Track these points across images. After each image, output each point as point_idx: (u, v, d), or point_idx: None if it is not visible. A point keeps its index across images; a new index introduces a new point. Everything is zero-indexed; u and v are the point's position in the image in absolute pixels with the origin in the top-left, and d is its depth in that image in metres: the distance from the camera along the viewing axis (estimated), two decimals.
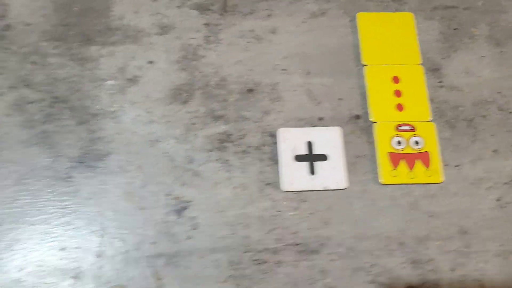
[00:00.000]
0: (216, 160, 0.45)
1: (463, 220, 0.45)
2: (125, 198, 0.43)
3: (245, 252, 0.43)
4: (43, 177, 0.43)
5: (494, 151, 0.47)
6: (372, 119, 0.47)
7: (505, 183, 0.46)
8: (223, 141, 0.46)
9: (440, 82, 0.49)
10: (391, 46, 0.49)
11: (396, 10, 0.51)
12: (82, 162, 0.44)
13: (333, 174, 0.45)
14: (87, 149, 0.44)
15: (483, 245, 0.44)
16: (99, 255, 0.42)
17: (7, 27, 0.48)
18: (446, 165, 0.46)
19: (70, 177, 0.44)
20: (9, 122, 0.45)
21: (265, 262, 0.43)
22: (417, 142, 0.46)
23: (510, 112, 0.48)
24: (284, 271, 0.43)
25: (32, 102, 0.45)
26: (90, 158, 0.44)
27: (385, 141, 0.46)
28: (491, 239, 0.44)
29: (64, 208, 0.43)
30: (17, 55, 0.47)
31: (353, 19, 0.50)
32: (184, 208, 0.43)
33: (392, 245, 0.44)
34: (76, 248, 0.42)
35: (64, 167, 0.44)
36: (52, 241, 0.42)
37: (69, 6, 0.49)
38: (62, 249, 0.42)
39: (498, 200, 0.46)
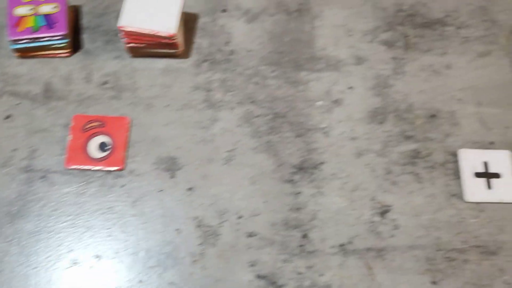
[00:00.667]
0: (409, 172, 0.54)
1: None
2: (339, 199, 0.52)
3: (438, 250, 0.51)
4: (271, 179, 0.53)
5: None
6: None
7: None
8: (414, 157, 0.55)
9: None
10: None
11: None
12: (301, 169, 0.53)
13: (506, 189, 0.54)
14: (305, 158, 0.53)
15: None
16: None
17: (232, 52, 0.57)
18: None
19: (292, 180, 0.53)
20: (241, 132, 0.54)
21: (454, 259, 0.51)
22: None
23: None
24: (470, 268, 0.51)
25: (257, 116, 0.55)
26: (307, 165, 0.53)
27: None
28: None
29: (289, 206, 0.52)
30: (242, 76, 0.56)
31: None
32: (386, 211, 0.52)
33: None
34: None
35: (287, 172, 0.53)
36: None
37: (281, 37, 0.58)
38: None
39: None
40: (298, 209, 0.52)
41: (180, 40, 0.55)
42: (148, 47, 0.54)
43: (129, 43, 0.53)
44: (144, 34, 0.52)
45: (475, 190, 0.53)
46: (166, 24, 0.52)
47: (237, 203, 0.51)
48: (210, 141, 0.53)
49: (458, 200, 0.53)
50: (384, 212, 0.52)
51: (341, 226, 0.51)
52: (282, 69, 0.57)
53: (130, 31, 0.52)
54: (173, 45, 0.53)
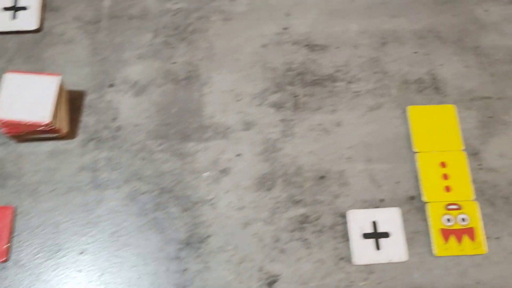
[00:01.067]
0: (298, 239, 0.54)
1: (506, 286, 0.54)
2: (226, 273, 0.52)
3: None
4: (157, 258, 0.53)
5: None
6: (424, 199, 0.56)
7: None
8: (302, 222, 0.55)
9: (479, 164, 0.58)
10: (438, 135, 0.59)
11: (440, 102, 0.61)
12: (188, 244, 0.53)
13: (395, 249, 0.54)
14: (192, 232, 0.54)
15: None
16: None
17: (119, 128, 0.57)
18: (488, 237, 0.55)
19: (179, 257, 0.53)
20: (126, 211, 0.54)
21: None
22: (463, 219, 0.55)
23: None
24: None
25: (144, 193, 0.55)
26: (194, 240, 0.53)
27: (436, 219, 0.55)
28: None
29: (175, 285, 0.52)
30: (129, 152, 0.56)
31: (404, 111, 0.60)
32: (274, 281, 0.53)
33: None
34: None
35: (174, 249, 0.53)
36: None
37: (169, 108, 0.58)
38: None
39: None
40: (184, 287, 0.52)
41: (61, 123, 0.55)
42: (29, 134, 0.54)
43: (8, 132, 0.53)
44: (20, 123, 0.52)
45: (363, 252, 0.54)
46: (41, 112, 0.52)
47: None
48: (95, 224, 0.54)
49: (346, 263, 0.54)
50: (271, 282, 0.53)
51: None
52: (169, 141, 0.57)
53: (7, 121, 0.52)
54: (52, 131, 0.54)
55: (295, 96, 0.60)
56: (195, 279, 0.52)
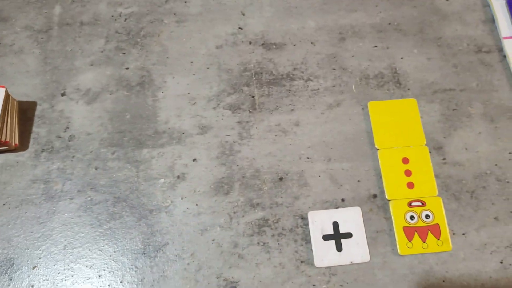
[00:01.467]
0: (257, 243, 0.53)
1: (472, 283, 0.52)
2: (182, 283, 0.51)
3: None
4: (113, 269, 0.51)
5: (495, 218, 0.54)
6: (387, 197, 0.54)
7: (507, 247, 0.53)
8: (261, 226, 0.53)
9: (443, 159, 0.57)
10: (399, 130, 0.57)
11: (401, 96, 0.59)
12: (144, 254, 0.52)
13: (357, 249, 0.52)
14: (148, 241, 0.52)
15: None
16: None
17: (71, 137, 0.56)
18: (454, 233, 0.54)
19: (136, 267, 0.52)
20: (80, 222, 0.53)
21: None
22: (427, 216, 0.54)
23: (507, 182, 0.56)
24: None
25: (97, 203, 0.54)
26: (150, 249, 0.52)
27: (400, 216, 0.54)
28: None
29: None
30: (82, 162, 0.55)
31: (365, 107, 0.58)
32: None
33: None
34: None
35: (130, 259, 0.52)
36: None
37: (122, 115, 0.57)
38: None
39: (501, 262, 0.53)
40: None
41: (11, 135, 0.54)
42: None
43: None
44: None
45: (324, 254, 0.52)
46: None
47: None
48: (48, 237, 0.52)
49: (308, 266, 0.52)
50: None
51: None
52: (123, 149, 0.56)
53: None
54: (1, 144, 0.52)
55: (252, 97, 0.59)
56: None
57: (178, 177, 0.55)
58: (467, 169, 0.56)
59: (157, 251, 0.52)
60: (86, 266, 0.51)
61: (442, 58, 0.61)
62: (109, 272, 0.51)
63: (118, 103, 0.58)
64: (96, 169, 0.55)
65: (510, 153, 0.57)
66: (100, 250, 0.52)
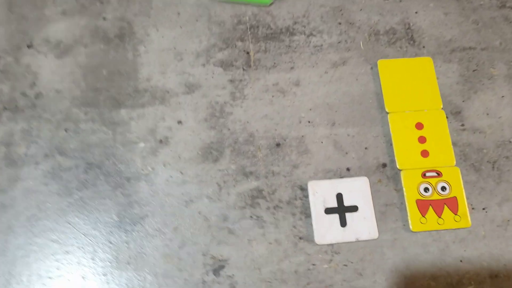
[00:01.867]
0: (250, 217, 0.46)
1: (494, 263, 0.46)
2: (163, 261, 0.45)
3: None
4: (83, 244, 0.45)
5: None
6: (398, 166, 0.48)
7: None
8: (255, 197, 0.47)
9: (462, 125, 0.50)
10: (413, 92, 0.50)
11: (415, 55, 0.52)
12: (120, 227, 0.45)
13: (364, 225, 0.46)
14: (125, 213, 0.46)
15: None
16: None
17: (38, 95, 0.49)
18: (473, 208, 0.47)
19: (110, 243, 0.45)
20: (47, 190, 0.46)
21: None
22: (443, 188, 0.47)
23: None
24: None
25: (67, 170, 0.47)
26: (127, 222, 0.45)
27: (412, 188, 0.47)
28: None
29: (105, 275, 0.44)
30: (50, 123, 0.48)
31: (374, 66, 0.52)
32: (222, 267, 0.45)
33: None
34: None
35: (103, 233, 0.45)
36: None
37: (98, 71, 0.50)
38: None
39: None
40: (112, 279, 0.44)
41: None
42: None
43: None
44: None
45: (326, 230, 0.46)
46: None
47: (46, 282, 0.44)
48: (10, 206, 0.46)
49: (307, 243, 0.46)
50: (218, 268, 0.45)
51: None
52: (99, 109, 0.49)
53: None
54: None
55: (247, 53, 0.51)
56: (127, 268, 0.44)
57: (161, 141, 0.48)
58: (488, 136, 0.50)
59: (134, 225, 0.45)
60: (52, 241, 0.45)
61: (461, 13, 0.54)
62: (78, 248, 0.45)
63: (93, 57, 0.50)
64: (66, 131, 0.48)
65: None
66: (69, 223, 0.45)
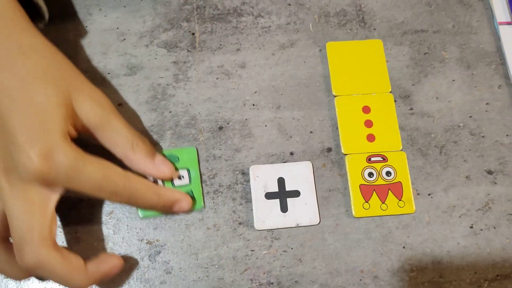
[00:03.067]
0: None
1: (437, 249, 0.45)
2: (96, 246, 0.44)
3: None
4: None
5: (467, 177, 0.47)
6: (343, 151, 0.47)
7: (478, 210, 0.46)
8: None
9: (411, 109, 0.49)
10: (361, 75, 0.49)
11: (366, 37, 0.51)
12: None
13: (305, 210, 0.45)
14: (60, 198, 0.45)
15: (457, 274, 0.44)
16: None
17: None
18: (418, 194, 0.47)
19: None
20: None
21: None
22: (388, 173, 0.46)
23: (482, 136, 0.48)
24: None
25: None
26: (63, 207, 0.44)
27: (356, 173, 0.46)
28: (465, 267, 0.45)
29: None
30: None
31: (323, 49, 0.50)
32: (158, 253, 0.44)
33: (366, 279, 0.44)
34: None
35: None
36: None
37: None
38: None
39: (471, 227, 0.46)
40: None
41: None
42: None
43: None
44: None
45: (266, 215, 0.45)
46: None
47: None
48: None
49: (246, 229, 0.45)
50: (154, 253, 0.44)
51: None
52: None
53: None
54: None
55: (192, 34, 0.50)
56: None
57: None
58: (437, 121, 0.49)
59: (70, 210, 0.44)
60: None
61: None
62: None
63: None
64: None
65: (487, 103, 0.49)
66: None
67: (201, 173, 0.46)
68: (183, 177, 0.44)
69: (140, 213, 0.44)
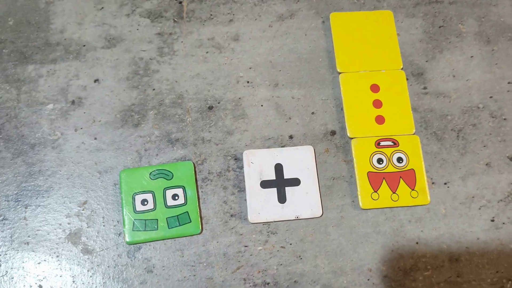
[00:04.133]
0: None
1: (454, 245, 0.40)
2: (70, 241, 0.38)
3: None
4: None
5: (487, 164, 0.42)
6: (349, 134, 0.41)
7: (500, 201, 0.41)
8: None
9: (424, 88, 0.44)
10: (369, 50, 0.44)
11: (374, 8, 0.46)
12: (19, 201, 0.39)
13: (306, 201, 0.40)
14: (26, 185, 0.39)
15: (476, 273, 0.39)
16: None
17: None
18: (433, 183, 0.41)
19: (5, 219, 0.38)
20: None
21: None
22: (400, 159, 0.41)
23: (504, 119, 0.43)
24: None
25: None
26: (28, 195, 0.39)
27: (364, 159, 0.41)
28: (485, 266, 0.40)
29: None
30: None
31: (326, 20, 0.45)
32: (138, 249, 0.38)
33: (375, 279, 0.39)
34: None
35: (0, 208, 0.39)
36: None
37: (3, 20, 0.43)
38: None
39: (492, 220, 0.41)
40: (6, 261, 0.38)
41: None
42: None
43: None
44: None
45: (262, 206, 0.39)
46: None
47: None
48: None
49: (239, 221, 0.39)
50: (134, 250, 0.38)
51: (74, 279, 0.37)
52: (1, 64, 0.42)
53: None
54: None
55: (179, 3, 0.44)
56: (24, 248, 0.38)
57: (73, 102, 0.41)
58: (454, 101, 0.43)
59: (36, 198, 0.39)
60: None
61: None
62: None
63: None
64: None
65: (509, 82, 0.44)
66: None
67: (189, 158, 0.40)
68: (177, 196, 0.38)
69: (127, 237, 0.38)
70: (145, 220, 0.37)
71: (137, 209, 0.37)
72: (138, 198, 0.38)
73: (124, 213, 0.37)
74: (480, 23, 0.46)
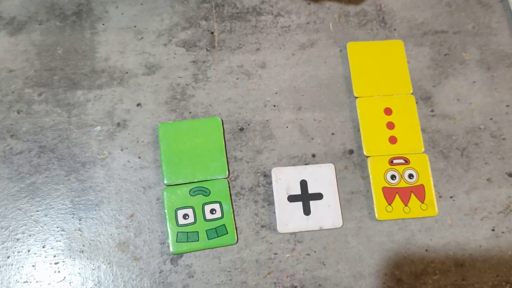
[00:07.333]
0: None
1: (459, 252, 0.45)
2: (119, 249, 0.43)
3: None
4: (34, 232, 0.43)
5: (488, 179, 0.47)
6: (365, 153, 0.46)
7: (500, 212, 0.46)
8: None
9: (432, 111, 0.49)
10: (382, 76, 0.49)
11: (386, 38, 0.51)
12: (73, 214, 0.43)
13: (328, 213, 0.45)
14: (79, 199, 0.44)
15: (479, 277, 0.44)
16: None
17: None
18: (440, 196, 0.46)
19: (62, 230, 0.43)
20: None
21: None
22: (411, 175, 0.46)
23: (503, 138, 0.48)
24: None
25: (19, 153, 0.44)
26: (82, 209, 0.43)
27: (379, 175, 0.46)
28: (487, 270, 0.45)
29: (57, 263, 0.42)
30: (2, 104, 0.46)
31: (343, 49, 0.50)
32: (180, 256, 0.43)
33: (390, 282, 0.44)
34: None
35: (55, 220, 0.43)
36: None
37: (53, 49, 0.47)
38: None
39: (493, 230, 0.46)
40: (64, 268, 0.42)
41: None
42: None
43: None
44: None
45: (289, 218, 0.44)
46: None
47: None
48: None
49: (269, 232, 0.44)
50: (176, 257, 0.43)
51: (124, 284, 0.42)
52: (53, 90, 0.46)
53: None
54: None
55: (211, 33, 0.49)
56: (80, 257, 0.42)
57: (118, 124, 0.46)
58: (458, 123, 0.48)
59: (88, 211, 0.43)
60: (1, 228, 0.43)
61: None
62: (29, 236, 0.43)
63: (48, 35, 0.48)
64: (18, 112, 0.45)
65: (507, 106, 0.49)
66: (19, 209, 0.43)
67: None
68: (215, 211, 0.43)
69: (172, 248, 0.42)
70: (187, 232, 0.42)
71: (180, 223, 0.42)
72: (180, 213, 0.42)
73: (168, 226, 0.42)
74: (481, 51, 0.51)
